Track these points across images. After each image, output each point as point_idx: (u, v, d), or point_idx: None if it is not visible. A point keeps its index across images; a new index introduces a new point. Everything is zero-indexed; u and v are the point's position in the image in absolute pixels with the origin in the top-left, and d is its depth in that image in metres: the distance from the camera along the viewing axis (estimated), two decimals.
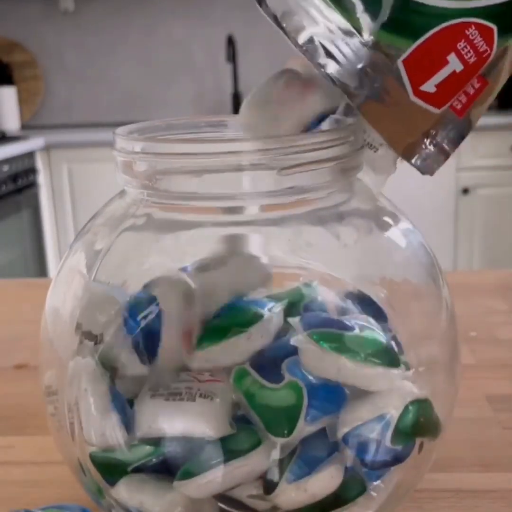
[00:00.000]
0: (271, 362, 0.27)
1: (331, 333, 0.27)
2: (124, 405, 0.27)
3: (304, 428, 0.27)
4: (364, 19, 0.24)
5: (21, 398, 0.46)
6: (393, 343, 0.28)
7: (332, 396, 0.27)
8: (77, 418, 0.27)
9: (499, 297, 0.64)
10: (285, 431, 0.27)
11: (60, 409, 0.29)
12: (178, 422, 0.26)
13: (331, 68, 0.24)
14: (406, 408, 0.27)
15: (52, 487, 0.37)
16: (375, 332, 0.27)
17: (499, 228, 2.26)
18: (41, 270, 2.27)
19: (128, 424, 0.27)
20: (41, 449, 0.40)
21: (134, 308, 0.27)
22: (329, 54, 0.24)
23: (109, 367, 0.27)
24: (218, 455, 0.26)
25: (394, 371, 0.27)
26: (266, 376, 0.27)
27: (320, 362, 0.26)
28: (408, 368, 0.28)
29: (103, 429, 0.27)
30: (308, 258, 0.29)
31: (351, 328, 0.27)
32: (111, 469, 0.28)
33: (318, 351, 0.26)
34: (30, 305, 0.68)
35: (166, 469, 0.28)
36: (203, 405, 0.26)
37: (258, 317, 0.27)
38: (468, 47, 0.24)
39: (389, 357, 0.27)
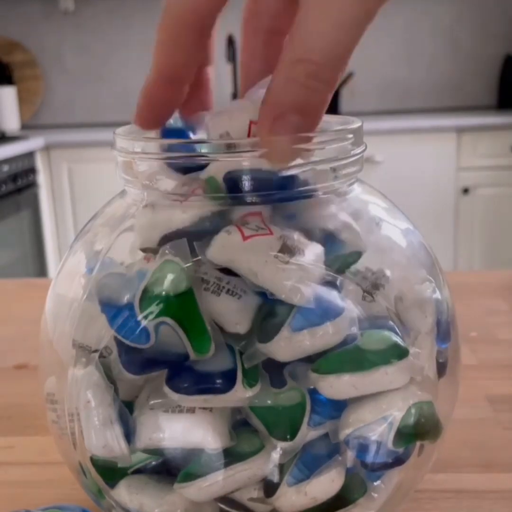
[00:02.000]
0: (274, 366, 0.27)
1: (330, 357, 0.26)
2: (127, 416, 0.27)
3: (307, 433, 0.27)
4: None
5: (21, 398, 0.45)
6: (394, 333, 0.27)
7: (335, 401, 0.27)
8: (79, 427, 0.27)
9: (499, 298, 0.64)
10: (288, 435, 0.27)
11: (61, 417, 0.28)
12: (178, 434, 0.26)
13: None
14: (408, 410, 0.27)
15: (52, 487, 0.37)
16: (375, 330, 0.27)
17: (499, 228, 2.26)
18: (41, 270, 2.26)
19: (129, 435, 0.27)
20: (41, 449, 0.40)
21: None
22: None
23: (113, 378, 0.27)
24: (220, 459, 0.26)
25: (406, 361, 0.27)
26: (269, 380, 0.27)
27: (334, 389, 0.26)
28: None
29: (105, 441, 0.26)
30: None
31: (349, 341, 0.27)
32: (111, 472, 0.28)
33: (327, 381, 0.26)
34: (30, 305, 0.68)
35: (167, 470, 0.28)
36: (202, 416, 0.26)
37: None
38: None
39: (396, 349, 0.27)
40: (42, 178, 2.29)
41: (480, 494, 0.36)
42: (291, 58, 0.24)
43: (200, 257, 0.26)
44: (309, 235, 0.27)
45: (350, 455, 0.27)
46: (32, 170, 2.21)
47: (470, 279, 0.71)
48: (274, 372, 0.27)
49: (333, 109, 2.52)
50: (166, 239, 0.27)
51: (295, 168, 0.26)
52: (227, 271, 0.26)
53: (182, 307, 0.25)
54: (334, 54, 0.23)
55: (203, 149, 0.26)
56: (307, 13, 0.23)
